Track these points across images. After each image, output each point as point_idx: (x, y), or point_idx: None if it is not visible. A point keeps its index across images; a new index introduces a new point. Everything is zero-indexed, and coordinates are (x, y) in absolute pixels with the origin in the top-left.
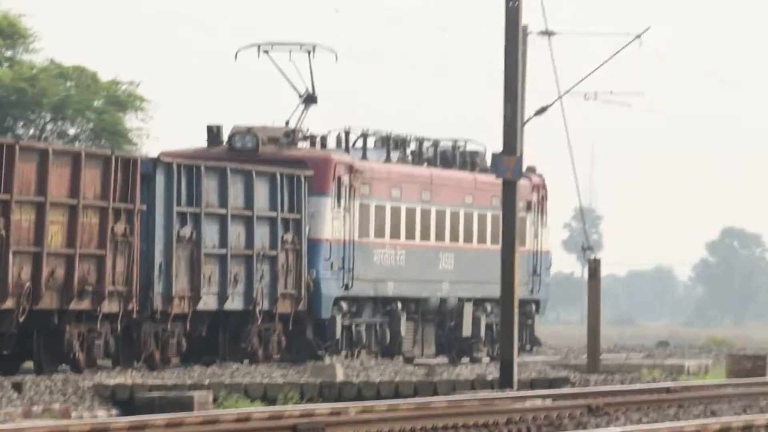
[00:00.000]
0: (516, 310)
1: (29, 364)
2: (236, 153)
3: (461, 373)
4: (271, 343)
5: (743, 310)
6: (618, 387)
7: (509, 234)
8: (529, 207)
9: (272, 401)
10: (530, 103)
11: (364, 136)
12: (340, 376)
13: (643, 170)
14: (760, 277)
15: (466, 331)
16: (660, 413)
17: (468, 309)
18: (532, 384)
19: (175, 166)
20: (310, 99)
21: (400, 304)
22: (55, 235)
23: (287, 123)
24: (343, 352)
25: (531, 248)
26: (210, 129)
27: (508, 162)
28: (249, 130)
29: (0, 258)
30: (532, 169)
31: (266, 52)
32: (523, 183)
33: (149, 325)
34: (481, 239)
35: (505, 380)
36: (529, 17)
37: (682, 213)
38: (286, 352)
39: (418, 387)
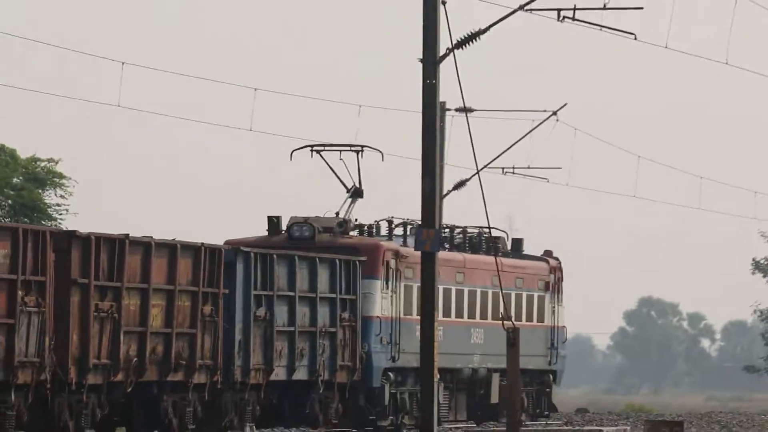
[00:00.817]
0: (436, 380)
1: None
2: (295, 241)
3: None
4: (330, 410)
5: (661, 377)
6: None
7: (428, 305)
8: (547, 287)
9: None
10: (450, 177)
11: (405, 224)
12: None
13: (560, 242)
14: (677, 345)
15: (494, 398)
16: None
17: (495, 378)
18: None
19: (252, 255)
20: (357, 193)
21: (438, 375)
22: (155, 317)
23: (337, 214)
24: (390, 418)
25: (549, 324)
26: (270, 219)
27: (427, 234)
28: (306, 221)
29: (113, 337)
30: (548, 253)
31: (319, 152)
32: (541, 265)
33: (230, 395)
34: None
35: None
36: (446, 95)
37: (600, 283)
38: (343, 417)
39: None
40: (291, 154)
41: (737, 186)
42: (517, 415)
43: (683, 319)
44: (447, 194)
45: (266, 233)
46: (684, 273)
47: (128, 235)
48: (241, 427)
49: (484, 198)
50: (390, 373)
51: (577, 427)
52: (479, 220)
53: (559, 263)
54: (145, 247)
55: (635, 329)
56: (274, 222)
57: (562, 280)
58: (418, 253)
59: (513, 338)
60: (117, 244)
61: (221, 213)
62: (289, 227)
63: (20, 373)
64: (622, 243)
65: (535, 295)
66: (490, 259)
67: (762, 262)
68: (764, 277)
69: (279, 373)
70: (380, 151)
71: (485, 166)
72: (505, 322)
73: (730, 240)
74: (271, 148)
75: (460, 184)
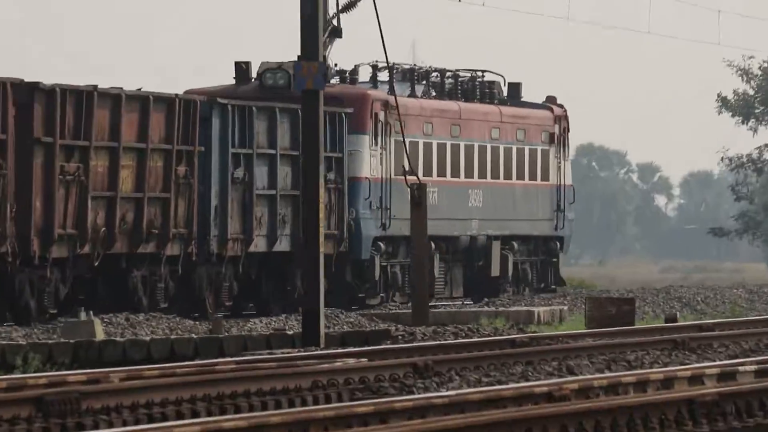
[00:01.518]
0: (322, 250)
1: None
2: (267, 90)
3: (254, 328)
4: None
5: (606, 244)
6: (451, 341)
7: (311, 157)
8: (551, 139)
9: (10, 368)
10: None
11: (391, 69)
12: (100, 335)
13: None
14: (625, 204)
15: (495, 271)
16: (504, 372)
17: (496, 248)
18: (344, 340)
19: (229, 108)
20: (334, 32)
21: (433, 245)
22: (125, 180)
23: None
24: (381, 295)
25: (555, 182)
26: (238, 65)
27: (308, 68)
28: (280, 66)
29: (79, 204)
30: (552, 99)
31: None
32: (545, 114)
33: (204, 269)
34: (507, 175)
35: (309, 336)
36: None
37: None
38: (328, 294)
39: (200, 346)
40: None
41: (697, 4)
42: (425, 292)
43: (633, 170)
44: (333, 17)
45: (233, 82)
46: (632, 115)
47: (96, 86)
48: (216, 305)
49: (379, 21)
50: (380, 243)
51: (502, 308)
52: (376, 51)
53: (565, 111)
54: (115, 99)
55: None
56: (242, 68)
57: (568, 131)
58: (410, 103)
59: (418, 196)
60: (84, 97)
61: (176, 54)
62: (260, 74)
63: None
64: (555, 72)
65: (539, 149)
66: (489, 107)
67: (731, 98)
68: (733, 117)
69: (259, 244)
70: None
71: None
72: (407, 177)
73: (688, 71)
74: None
75: (349, 5)
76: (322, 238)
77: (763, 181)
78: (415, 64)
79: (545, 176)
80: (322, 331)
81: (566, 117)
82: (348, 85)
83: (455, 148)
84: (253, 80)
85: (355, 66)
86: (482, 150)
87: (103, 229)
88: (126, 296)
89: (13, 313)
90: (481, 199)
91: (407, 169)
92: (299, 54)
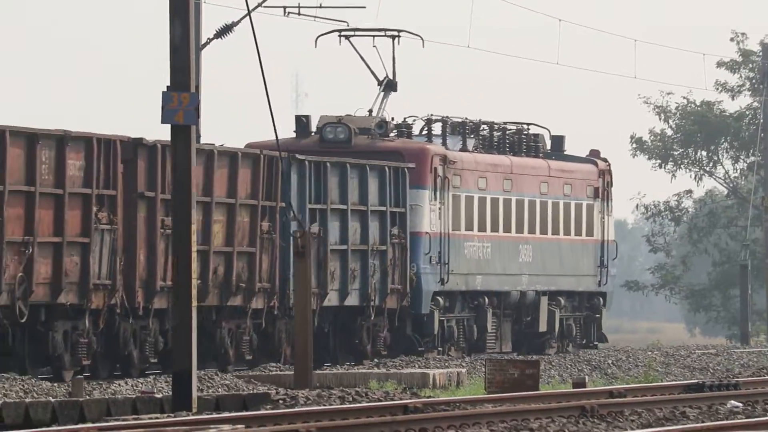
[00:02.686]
0: (194, 309)
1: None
2: (328, 144)
3: (119, 390)
4: (379, 340)
5: None
6: (337, 406)
7: (183, 202)
8: (596, 194)
9: None
10: (212, 20)
11: (444, 123)
12: None
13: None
14: None
15: (542, 326)
16: None
17: (544, 304)
18: (219, 404)
19: (307, 163)
20: (390, 86)
21: (486, 299)
22: (216, 234)
23: (370, 112)
24: (438, 349)
25: (598, 238)
26: (299, 119)
27: (179, 100)
28: (339, 120)
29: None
30: (596, 153)
31: (348, 38)
32: (590, 168)
33: (283, 322)
34: (555, 230)
35: (180, 399)
36: None
37: None
38: (390, 348)
39: (58, 410)
40: (316, 41)
41: (611, 32)
42: (307, 351)
43: None
44: (207, 43)
45: (293, 135)
46: None
47: (204, 144)
48: (293, 358)
49: (258, 49)
50: (439, 298)
51: (394, 369)
52: (252, 76)
53: (608, 165)
54: (208, 155)
55: None
56: (303, 122)
57: (611, 185)
58: (465, 157)
59: (301, 246)
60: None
61: (235, 108)
62: (320, 128)
63: (93, 297)
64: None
65: (584, 204)
66: (538, 162)
67: (647, 140)
68: (650, 159)
69: (332, 298)
70: (420, 37)
71: (259, 5)
72: (292, 221)
73: (602, 107)
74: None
75: (225, 30)
76: (194, 291)
77: (682, 232)
78: (466, 118)
79: (590, 231)
80: (194, 394)
81: (610, 171)
82: (407, 139)
83: (507, 203)
84: (313, 134)
85: (404, 119)
86: (532, 205)
87: (198, 281)
88: (214, 349)
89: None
90: (531, 254)
91: (291, 215)
92: (168, 84)
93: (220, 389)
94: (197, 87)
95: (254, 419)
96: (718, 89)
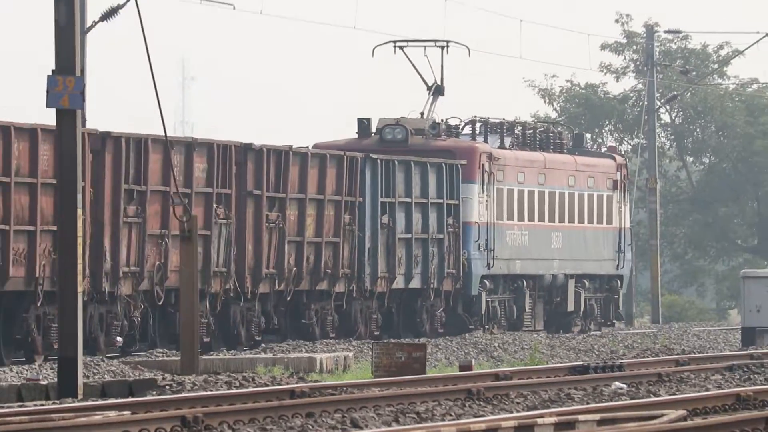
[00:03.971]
0: (80, 290)
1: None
2: (387, 144)
3: (4, 378)
4: (436, 319)
5: None
6: (223, 391)
7: (68, 187)
8: (615, 186)
9: None
10: (96, 3)
11: (485, 123)
12: None
13: (249, 88)
14: None
15: (570, 306)
16: (281, 425)
17: (571, 286)
18: (105, 390)
19: (379, 162)
20: (438, 91)
21: (525, 282)
22: (309, 226)
23: (422, 114)
24: (485, 327)
25: (617, 225)
26: (361, 121)
27: (64, 84)
28: (397, 122)
29: (279, 247)
30: (613, 149)
31: (402, 48)
32: (609, 163)
33: (359, 303)
34: (581, 219)
35: (65, 386)
36: None
37: None
38: (443, 326)
39: None
40: (373, 51)
41: (498, 12)
42: (194, 335)
43: None
44: (92, 26)
45: (356, 136)
46: None
47: (291, 146)
48: (367, 335)
49: (144, 32)
50: (485, 281)
51: (281, 354)
52: (139, 59)
53: (625, 160)
54: (302, 157)
55: None
56: (364, 124)
57: (627, 178)
58: (507, 154)
59: (188, 230)
60: (282, 156)
61: (297, 112)
62: (380, 129)
63: (213, 282)
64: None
65: (605, 195)
66: (566, 157)
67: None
68: None
69: (399, 282)
70: (467, 47)
71: None
72: (175, 207)
73: (488, 89)
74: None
75: (111, 12)
76: (80, 277)
77: None
78: (503, 118)
79: (609, 220)
80: (80, 380)
81: (626, 165)
82: (456, 138)
83: (541, 195)
84: (373, 134)
85: (446, 120)
86: (561, 196)
87: (294, 268)
88: (304, 328)
89: (226, 341)
90: (561, 241)
91: (175, 201)
92: (53, 68)
93: (106, 375)
94: (83, 71)
95: (140, 405)
96: (602, 71)
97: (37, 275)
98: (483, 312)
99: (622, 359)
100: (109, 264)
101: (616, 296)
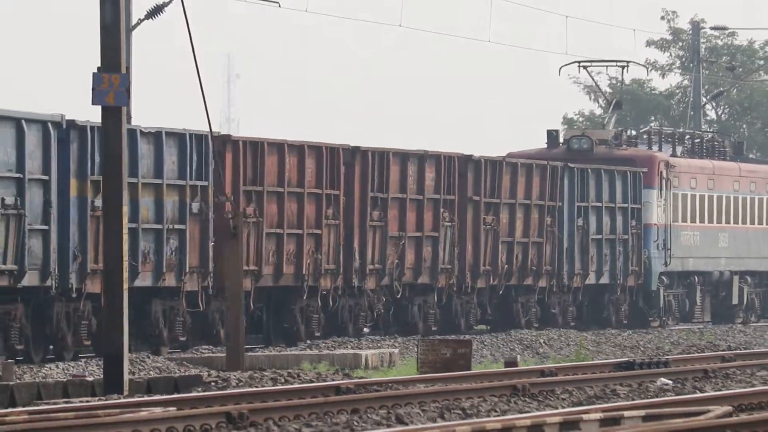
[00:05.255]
0: (125, 289)
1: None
2: (574, 153)
3: (49, 374)
4: (621, 311)
5: None
6: (269, 388)
7: (114, 184)
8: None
9: None
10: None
11: (659, 133)
12: None
13: (295, 90)
14: None
15: (735, 300)
16: (327, 421)
17: (736, 282)
18: (150, 386)
19: (576, 170)
20: (617, 105)
21: (696, 278)
22: (517, 228)
23: (603, 126)
24: (662, 319)
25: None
26: (550, 132)
27: (109, 81)
28: (583, 133)
29: (494, 247)
30: None
31: (585, 68)
32: (767, 168)
33: (556, 297)
34: (744, 220)
35: (111, 382)
36: None
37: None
38: (629, 319)
39: None
40: (560, 70)
41: (543, 9)
42: (240, 333)
43: None
44: (138, 24)
45: (545, 146)
46: None
47: (505, 157)
48: (564, 325)
49: (189, 32)
50: (663, 277)
51: (326, 351)
52: (184, 57)
53: None
54: (513, 167)
55: None
56: (553, 135)
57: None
58: (681, 162)
59: (234, 227)
60: (497, 166)
61: (166, 89)
62: (567, 140)
63: (440, 278)
64: None
65: (765, 198)
66: (731, 164)
67: (576, 117)
68: None
69: (591, 278)
70: (645, 66)
71: None
72: (227, 205)
73: None
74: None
75: (156, 11)
76: (125, 274)
77: None
78: (674, 129)
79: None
80: (126, 377)
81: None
82: (636, 148)
83: (710, 199)
84: (561, 144)
85: (621, 130)
86: (728, 200)
87: (506, 266)
88: (511, 316)
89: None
90: (727, 240)
91: (223, 197)
92: (98, 65)
93: (151, 372)
94: (128, 68)
95: (185, 401)
96: (648, 68)
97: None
98: (661, 305)
99: (667, 355)
100: (358, 262)
101: None
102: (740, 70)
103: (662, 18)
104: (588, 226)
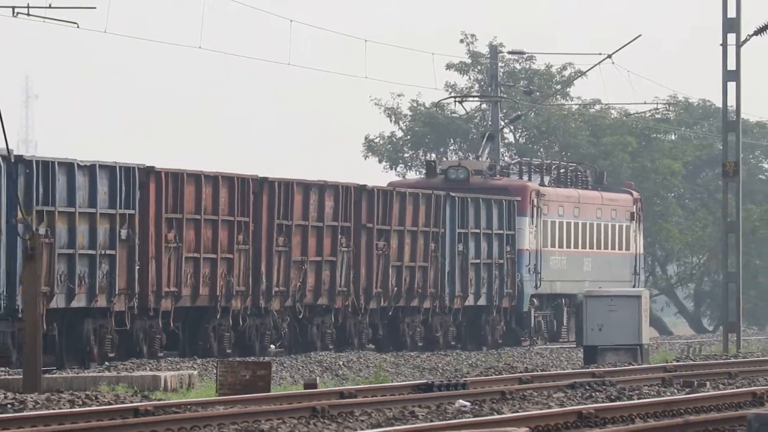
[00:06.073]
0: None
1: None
2: (451, 182)
3: None
4: (497, 331)
5: None
6: (66, 410)
7: None
8: (632, 217)
9: None
10: None
11: (529, 165)
12: None
13: (95, 108)
14: None
15: None
16: None
17: None
18: None
19: (457, 199)
20: (490, 137)
21: (564, 300)
22: (406, 253)
23: (477, 157)
24: (532, 338)
25: (633, 251)
26: (428, 163)
27: None
28: (459, 164)
29: (384, 271)
30: (629, 185)
31: (461, 102)
32: (628, 197)
33: (439, 318)
34: (605, 246)
35: None
36: None
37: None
38: (501, 338)
39: None
40: (437, 104)
41: (343, 33)
42: (36, 354)
43: None
44: None
45: (423, 176)
46: (269, 158)
47: (395, 188)
48: (444, 346)
49: None
50: (534, 299)
51: (125, 372)
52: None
53: (640, 196)
54: (402, 196)
55: None
56: (431, 165)
57: (642, 211)
58: (550, 191)
59: (31, 248)
60: (388, 195)
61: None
62: (445, 170)
63: (337, 299)
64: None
65: (624, 225)
66: (595, 193)
67: (377, 140)
68: (380, 162)
69: (470, 300)
70: (517, 101)
71: None
72: (19, 221)
73: (334, 108)
74: None
75: None
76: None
77: None
78: (542, 160)
79: (627, 246)
80: None
81: (641, 200)
82: (509, 178)
83: (576, 226)
84: (439, 174)
85: (491, 161)
86: (591, 227)
87: (395, 288)
88: (399, 338)
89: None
90: (591, 264)
91: (19, 220)
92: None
93: None
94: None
95: None
96: (448, 91)
97: None
98: (532, 326)
99: (465, 377)
100: (264, 284)
101: None
102: (537, 94)
103: (461, 41)
104: (467, 251)
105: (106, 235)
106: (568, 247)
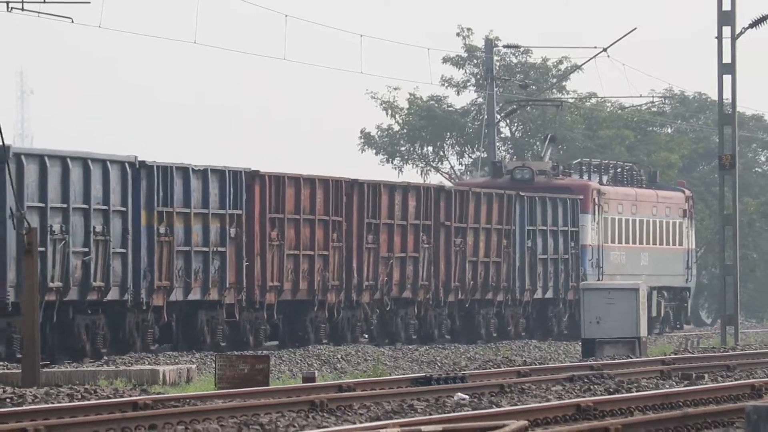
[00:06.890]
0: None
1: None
2: (516, 182)
3: None
4: (562, 323)
5: None
6: (65, 404)
7: None
8: (684, 214)
9: None
10: None
11: (588, 164)
12: None
13: (92, 102)
14: None
15: (654, 312)
16: None
17: (654, 296)
18: None
19: (526, 198)
20: (552, 139)
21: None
22: (481, 249)
23: (541, 158)
24: None
25: (686, 246)
26: (494, 164)
27: None
28: (524, 164)
29: (462, 265)
30: (681, 184)
31: (522, 107)
32: (680, 195)
33: (510, 309)
34: (660, 242)
35: None
36: None
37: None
38: (565, 329)
39: None
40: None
41: (337, 27)
42: (35, 348)
43: None
44: None
45: (488, 176)
46: (264, 148)
47: (470, 188)
48: (516, 334)
49: None
50: None
51: (123, 367)
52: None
53: (691, 194)
54: (477, 196)
55: None
56: (497, 166)
57: (693, 208)
58: (610, 189)
59: (28, 243)
60: (464, 195)
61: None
62: (511, 170)
63: (419, 292)
64: None
65: (677, 221)
66: (650, 192)
67: (375, 134)
68: (377, 155)
69: (538, 293)
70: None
71: None
72: (16, 223)
73: (329, 102)
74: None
75: None
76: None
77: None
78: (602, 160)
79: (681, 242)
80: None
81: (692, 197)
82: (571, 177)
83: (633, 223)
84: (505, 174)
85: (554, 162)
86: (648, 223)
87: (471, 282)
88: (473, 329)
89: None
90: (648, 259)
91: (16, 212)
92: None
93: None
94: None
95: None
96: (444, 85)
97: None
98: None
99: (464, 371)
100: (356, 279)
101: (685, 304)
102: (533, 88)
103: (458, 35)
104: (536, 247)
105: (217, 233)
106: (627, 242)
